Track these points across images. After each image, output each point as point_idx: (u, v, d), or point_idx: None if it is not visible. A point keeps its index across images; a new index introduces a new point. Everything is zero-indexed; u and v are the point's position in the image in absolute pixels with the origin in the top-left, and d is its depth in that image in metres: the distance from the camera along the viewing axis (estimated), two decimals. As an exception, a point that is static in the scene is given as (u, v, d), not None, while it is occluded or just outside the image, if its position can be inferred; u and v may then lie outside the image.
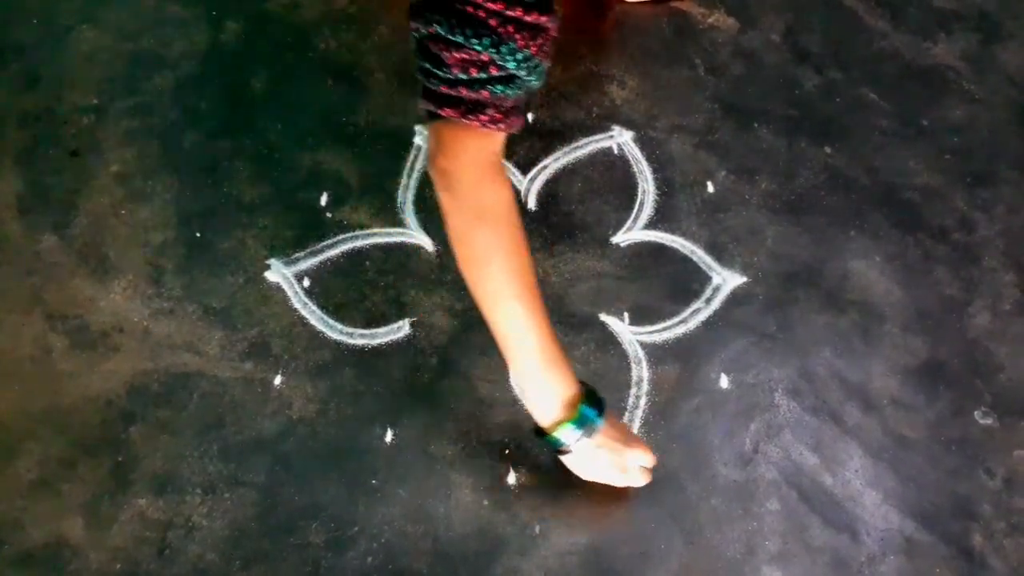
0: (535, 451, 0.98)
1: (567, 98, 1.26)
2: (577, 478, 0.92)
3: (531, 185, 1.17)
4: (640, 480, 0.92)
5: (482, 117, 0.78)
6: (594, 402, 0.88)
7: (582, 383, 0.89)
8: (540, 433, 0.89)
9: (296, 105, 1.21)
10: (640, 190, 1.18)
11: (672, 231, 1.15)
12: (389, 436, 0.98)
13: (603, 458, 0.89)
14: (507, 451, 0.98)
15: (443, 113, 0.78)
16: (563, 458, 0.91)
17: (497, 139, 0.82)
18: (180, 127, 1.18)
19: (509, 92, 0.77)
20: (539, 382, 0.86)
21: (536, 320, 0.84)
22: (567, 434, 0.87)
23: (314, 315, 1.05)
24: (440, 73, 0.76)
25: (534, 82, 0.79)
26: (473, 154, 0.81)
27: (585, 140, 1.22)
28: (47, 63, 1.23)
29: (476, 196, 0.82)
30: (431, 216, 1.13)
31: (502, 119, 0.79)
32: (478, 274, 0.84)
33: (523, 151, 1.20)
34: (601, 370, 1.03)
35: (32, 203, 1.10)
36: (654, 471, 0.94)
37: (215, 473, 0.94)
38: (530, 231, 1.11)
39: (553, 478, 0.96)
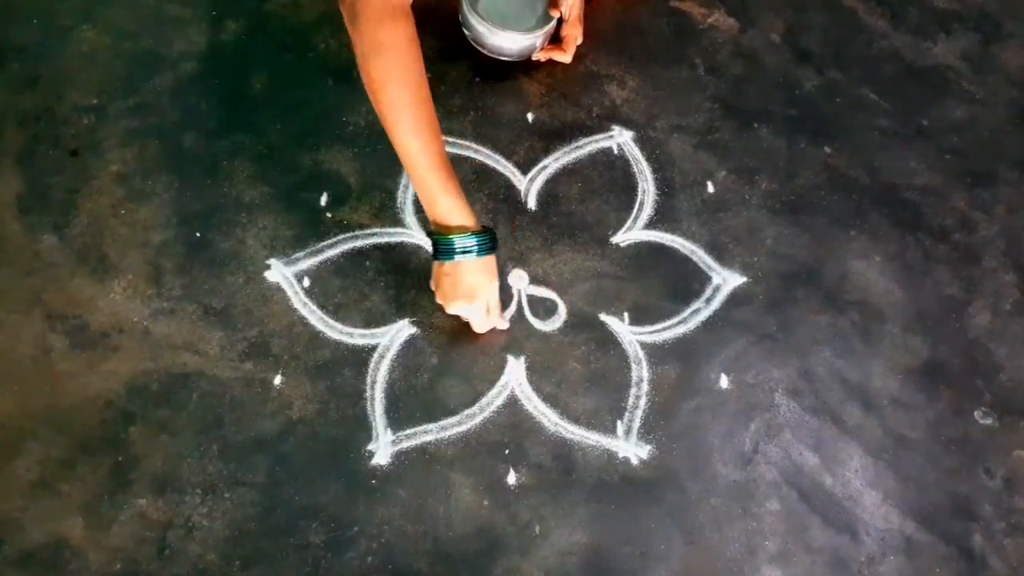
0: (535, 451, 0.98)
1: (567, 98, 1.26)
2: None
3: (531, 185, 1.17)
4: (477, 324, 1.03)
5: None
6: (485, 238, 0.97)
7: (482, 225, 0.98)
8: (432, 234, 0.98)
9: (296, 105, 1.21)
10: (640, 190, 1.18)
11: (672, 231, 1.15)
12: (390, 436, 0.98)
13: (461, 286, 0.98)
14: (507, 451, 0.98)
15: None
16: (436, 265, 0.99)
17: None
18: (180, 127, 1.18)
19: None
20: (439, 193, 0.95)
21: (431, 141, 0.94)
22: (461, 242, 0.96)
23: (314, 315, 1.05)
24: None
25: None
26: None
27: (585, 140, 1.22)
28: (47, 63, 1.22)
29: (374, 30, 0.91)
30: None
31: None
32: (377, 98, 0.93)
33: (523, 151, 1.20)
34: (601, 370, 1.03)
35: (32, 203, 1.10)
36: (654, 470, 0.93)
37: (215, 473, 0.94)
38: (530, 231, 1.13)
39: (553, 478, 0.96)
